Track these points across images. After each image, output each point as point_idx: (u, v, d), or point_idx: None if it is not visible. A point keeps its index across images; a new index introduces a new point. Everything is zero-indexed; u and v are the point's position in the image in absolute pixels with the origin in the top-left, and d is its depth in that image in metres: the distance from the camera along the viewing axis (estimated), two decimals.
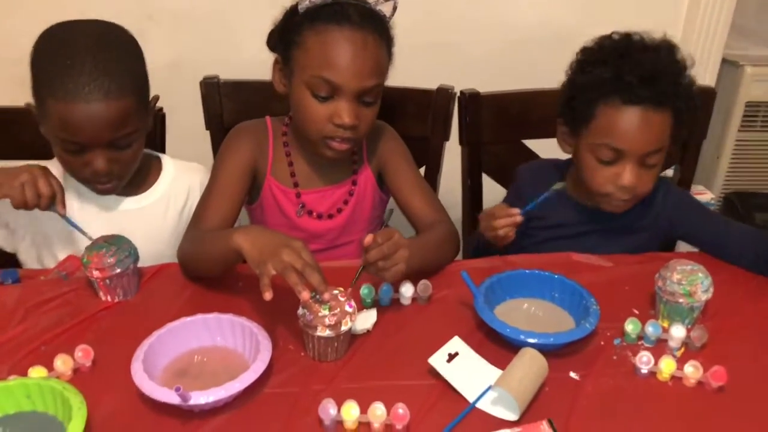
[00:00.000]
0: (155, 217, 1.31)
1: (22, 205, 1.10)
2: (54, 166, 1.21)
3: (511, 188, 1.44)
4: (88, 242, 1.11)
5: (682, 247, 1.42)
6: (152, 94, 1.26)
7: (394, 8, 1.20)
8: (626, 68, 1.14)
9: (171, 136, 1.53)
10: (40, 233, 1.28)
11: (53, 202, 1.12)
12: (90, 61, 1.10)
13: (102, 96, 1.09)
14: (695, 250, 1.30)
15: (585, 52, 1.24)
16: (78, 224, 1.15)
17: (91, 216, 1.26)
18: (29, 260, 1.31)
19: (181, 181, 1.35)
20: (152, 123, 1.29)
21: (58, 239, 1.27)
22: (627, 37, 1.21)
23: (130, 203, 1.29)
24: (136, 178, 1.28)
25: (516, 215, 1.19)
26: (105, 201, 1.27)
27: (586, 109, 1.19)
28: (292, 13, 1.18)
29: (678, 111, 1.17)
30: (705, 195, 2.04)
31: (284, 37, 1.20)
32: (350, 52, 1.14)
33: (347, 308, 0.97)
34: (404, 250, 1.05)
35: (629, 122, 1.15)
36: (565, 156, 1.33)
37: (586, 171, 1.23)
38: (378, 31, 1.17)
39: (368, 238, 1.02)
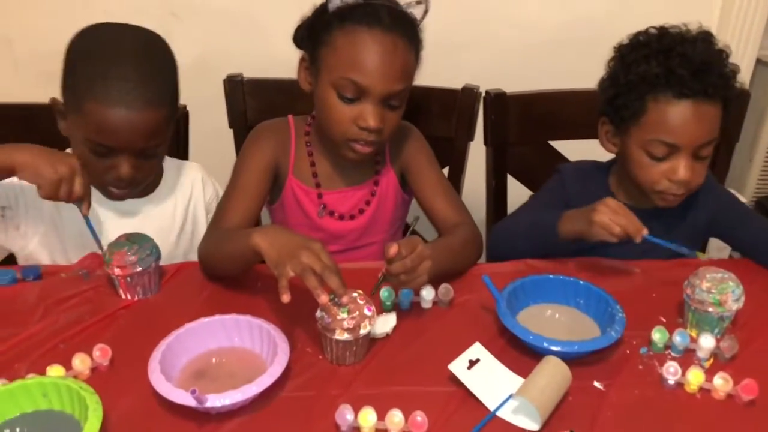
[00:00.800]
0: (165, 216, 1.32)
1: (51, 197, 1.08)
2: None
3: (554, 186, 1.36)
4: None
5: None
6: None
7: (425, 12, 1.18)
8: (675, 62, 1.13)
9: (195, 135, 1.53)
10: (52, 234, 1.28)
11: (79, 200, 1.12)
12: (135, 69, 1.11)
13: (143, 104, 1.10)
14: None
15: (624, 48, 1.22)
16: (94, 227, 1.15)
17: (107, 218, 1.27)
18: (42, 260, 1.31)
19: (183, 178, 1.36)
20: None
21: (72, 241, 1.27)
22: (665, 31, 1.19)
23: (141, 204, 1.30)
24: None
25: (641, 232, 1.11)
26: (119, 206, 1.28)
27: (634, 105, 1.17)
28: (321, 12, 1.17)
29: (726, 101, 1.16)
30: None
31: (312, 35, 1.18)
32: (379, 54, 1.12)
33: (366, 312, 0.95)
34: (428, 262, 1.03)
35: (682, 116, 1.13)
36: (604, 156, 1.30)
37: (638, 168, 1.20)
38: (408, 35, 1.16)
39: (393, 249, 0.99)
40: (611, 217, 1.10)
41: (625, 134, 1.21)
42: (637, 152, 1.19)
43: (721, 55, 1.17)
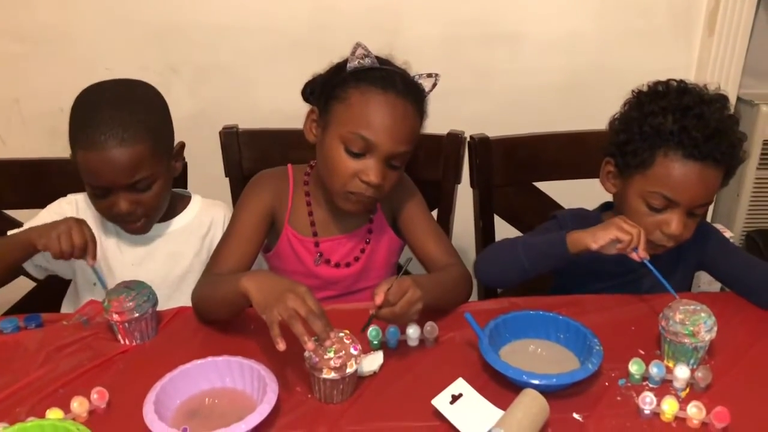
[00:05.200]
0: (177, 242, 1.40)
1: (59, 255, 1.18)
2: (75, 204, 1.35)
3: (550, 227, 1.35)
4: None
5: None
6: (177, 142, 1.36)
7: (434, 85, 1.26)
8: (692, 123, 1.16)
9: (194, 184, 1.59)
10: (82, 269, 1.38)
11: (84, 253, 1.19)
12: (107, 114, 1.22)
13: (117, 143, 1.20)
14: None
15: (643, 96, 1.25)
16: (103, 278, 1.24)
17: (124, 244, 1.38)
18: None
19: (205, 213, 1.44)
20: (180, 167, 1.38)
21: (83, 287, 1.37)
22: (685, 87, 1.22)
23: (156, 230, 1.38)
24: (167, 211, 1.38)
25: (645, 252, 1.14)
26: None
27: (644, 155, 1.20)
28: (338, 70, 1.24)
29: (730, 168, 1.20)
30: (725, 234, 2.02)
31: (326, 90, 1.24)
32: (391, 116, 1.19)
33: (352, 351, 0.99)
34: (419, 304, 1.07)
35: (687, 176, 1.17)
36: (587, 195, 1.34)
37: (633, 215, 1.22)
38: (417, 102, 1.24)
39: (378, 299, 1.03)
40: (627, 225, 1.13)
41: (628, 179, 1.24)
42: (636, 200, 1.22)
43: (733, 120, 1.21)
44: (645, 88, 1.26)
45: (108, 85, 1.29)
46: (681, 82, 1.23)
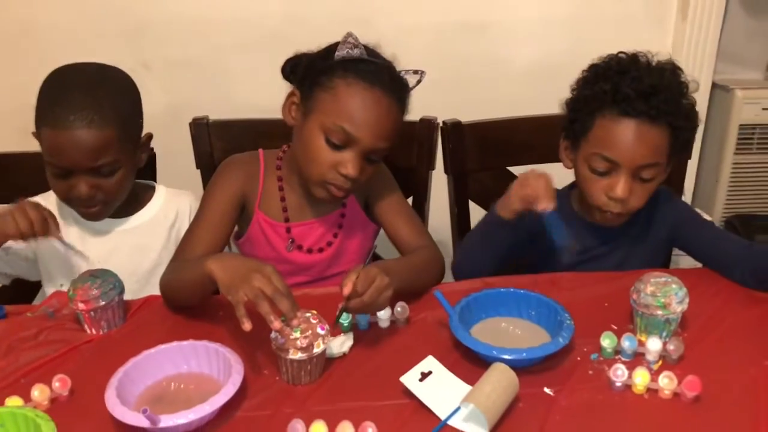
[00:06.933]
0: (144, 235, 1.37)
1: (18, 234, 1.15)
2: (48, 200, 1.30)
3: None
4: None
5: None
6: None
7: (418, 82, 1.25)
8: (625, 82, 1.17)
9: (163, 177, 1.57)
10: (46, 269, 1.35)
11: (48, 229, 1.17)
12: (79, 95, 1.21)
13: (85, 125, 1.18)
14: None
15: (590, 69, 1.27)
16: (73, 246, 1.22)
17: (87, 238, 1.34)
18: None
19: (171, 203, 1.41)
20: (145, 159, 1.36)
21: (60, 272, 1.34)
22: (633, 57, 1.23)
23: (121, 224, 1.36)
24: (130, 203, 1.36)
25: (546, 204, 1.11)
26: (99, 224, 1.34)
27: (585, 121, 1.22)
28: (326, 54, 1.21)
29: (676, 129, 1.19)
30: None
31: (311, 75, 1.22)
32: (375, 112, 1.18)
33: (319, 330, 0.97)
34: (388, 290, 1.05)
35: (624, 134, 1.17)
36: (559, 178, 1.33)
37: (583, 182, 1.25)
38: (401, 99, 1.23)
39: (346, 289, 1.01)
40: (533, 180, 1.13)
41: (577, 149, 1.26)
42: (582, 166, 1.23)
43: (680, 85, 1.21)
44: (597, 62, 1.27)
45: (82, 66, 1.28)
46: (632, 53, 1.24)
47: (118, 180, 1.26)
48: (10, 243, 1.20)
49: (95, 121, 1.19)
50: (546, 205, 1.10)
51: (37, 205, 1.17)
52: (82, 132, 1.18)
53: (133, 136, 1.30)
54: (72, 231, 1.34)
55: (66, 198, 1.27)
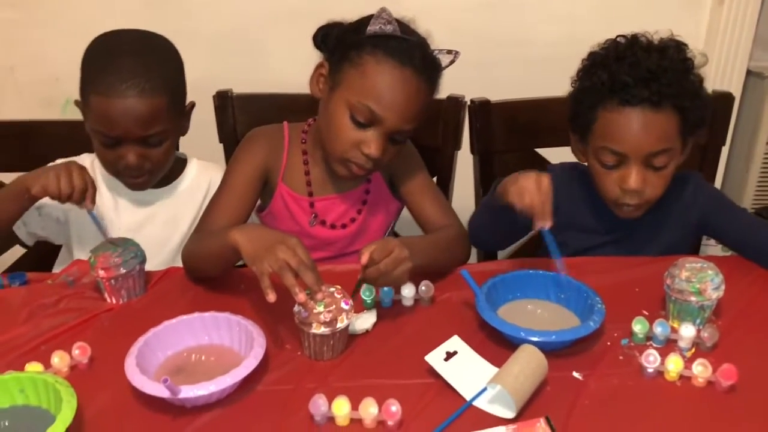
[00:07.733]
0: (177, 206, 1.37)
1: (57, 195, 1.14)
2: (86, 163, 1.28)
3: None
4: None
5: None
6: None
7: (451, 62, 1.20)
8: (623, 69, 1.12)
9: (186, 150, 1.55)
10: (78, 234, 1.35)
11: (83, 197, 1.15)
12: (129, 62, 1.19)
13: (137, 93, 1.17)
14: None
15: (589, 57, 1.23)
16: (102, 224, 1.19)
17: (120, 207, 1.34)
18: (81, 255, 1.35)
19: (203, 175, 1.40)
20: (188, 128, 1.36)
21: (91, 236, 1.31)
22: (632, 40, 1.18)
23: (155, 194, 1.36)
24: (167, 173, 1.35)
25: (542, 223, 1.01)
26: (134, 194, 1.34)
27: (587, 114, 1.18)
28: (357, 28, 1.17)
29: (683, 110, 1.14)
30: None
31: (340, 48, 1.18)
32: (403, 92, 1.14)
33: (343, 305, 0.95)
34: (406, 264, 1.03)
35: (627, 124, 1.13)
36: None
37: (596, 176, 1.21)
38: (432, 80, 1.19)
39: (364, 258, 0.99)
40: (529, 194, 1.00)
41: (585, 143, 1.22)
42: (593, 161, 1.19)
43: (684, 63, 1.15)
44: (596, 49, 1.22)
45: (126, 32, 1.25)
46: (632, 35, 1.18)
47: (165, 150, 1.25)
48: (44, 201, 1.18)
49: (147, 90, 1.17)
50: (542, 224, 1.01)
51: (84, 172, 1.16)
52: (134, 100, 1.17)
53: (179, 104, 1.29)
54: (105, 199, 1.33)
55: (113, 168, 1.26)
